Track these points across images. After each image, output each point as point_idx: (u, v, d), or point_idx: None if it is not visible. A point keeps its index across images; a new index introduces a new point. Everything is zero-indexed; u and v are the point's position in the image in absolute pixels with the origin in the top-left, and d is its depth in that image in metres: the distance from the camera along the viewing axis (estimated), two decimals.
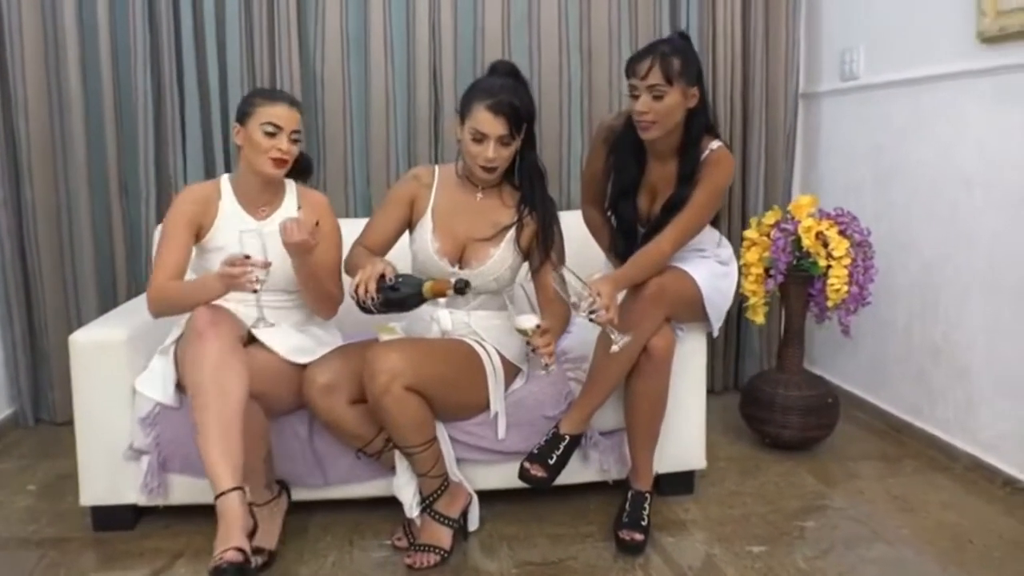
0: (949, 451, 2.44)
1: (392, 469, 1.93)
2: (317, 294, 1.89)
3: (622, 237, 2.05)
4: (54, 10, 2.62)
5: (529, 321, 1.75)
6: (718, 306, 2.04)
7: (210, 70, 2.73)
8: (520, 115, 1.84)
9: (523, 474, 1.90)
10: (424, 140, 2.84)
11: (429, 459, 1.84)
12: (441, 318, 1.95)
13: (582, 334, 2.09)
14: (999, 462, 2.27)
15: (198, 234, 1.91)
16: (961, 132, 2.39)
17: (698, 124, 1.93)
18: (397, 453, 1.89)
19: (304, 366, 1.87)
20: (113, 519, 2.02)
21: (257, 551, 1.74)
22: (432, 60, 2.82)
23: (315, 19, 2.77)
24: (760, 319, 2.53)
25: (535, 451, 1.92)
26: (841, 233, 2.40)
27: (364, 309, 1.75)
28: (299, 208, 1.96)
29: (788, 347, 2.56)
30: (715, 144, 1.94)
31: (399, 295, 1.72)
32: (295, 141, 1.88)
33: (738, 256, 2.26)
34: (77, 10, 2.63)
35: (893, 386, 2.73)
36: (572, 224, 2.13)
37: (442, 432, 1.93)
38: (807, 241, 2.38)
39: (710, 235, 2.08)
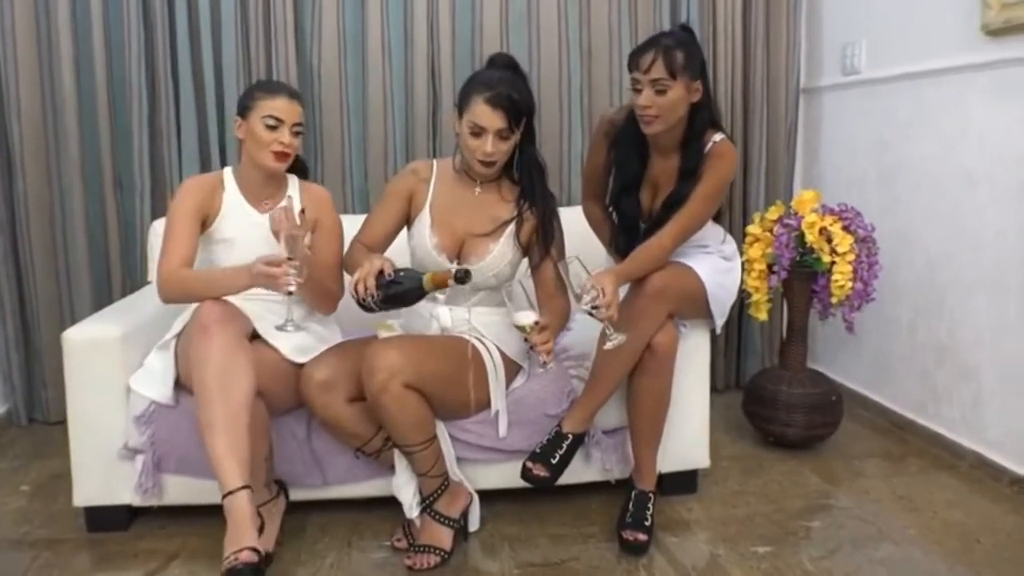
0: (954, 449, 2.42)
1: (391, 468, 1.90)
2: (316, 290, 1.85)
3: (624, 233, 2.02)
4: (47, 2, 2.58)
5: (527, 317, 1.72)
6: (722, 302, 2.01)
7: (205, 64, 2.69)
8: (519, 108, 1.81)
9: (525, 474, 1.87)
10: (422, 135, 2.81)
11: (429, 458, 1.80)
12: (440, 315, 1.92)
13: (584, 331, 2.06)
14: (1005, 460, 2.25)
15: (203, 224, 1.89)
16: (965, 127, 2.37)
17: (702, 118, 1.90)
18: (396, 452, 1.86)
19: (303, 365, 1.84)
20: (107, 520, 1.99)
21: None
22: (430, 56, 2.78)
23: (312, 13, 2.74)
24: (763, 316, 2.51)
25: (537, 450, 1.89)
26: (845, 229, 2.37)
27: (364, 307, 1.72)
28: (302, 209, 1.91)
29: (791, 344, 2.53)
30: (718, 137, 1.91)
31: (399, 289, 1.69)
32: (297, 134, 1.86)
33: (740, 252, 2.23)
34: (71, 2, 2.59)
35: (897, 384, 2.70)
36: (572, 220, 2.10)
37: (442, 431, 1.90)
38: (811, 237, 2.36)
39: (713, 231, 2.05)
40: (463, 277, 1.67)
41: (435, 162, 2.00)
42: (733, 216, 2.96)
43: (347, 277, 1.85)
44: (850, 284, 2.34)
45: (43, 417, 2.78)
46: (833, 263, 2.35)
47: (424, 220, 1.93)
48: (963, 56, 2.34)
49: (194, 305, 1.82)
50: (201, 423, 1.63)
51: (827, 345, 3.04)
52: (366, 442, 1.86)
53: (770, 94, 2.99)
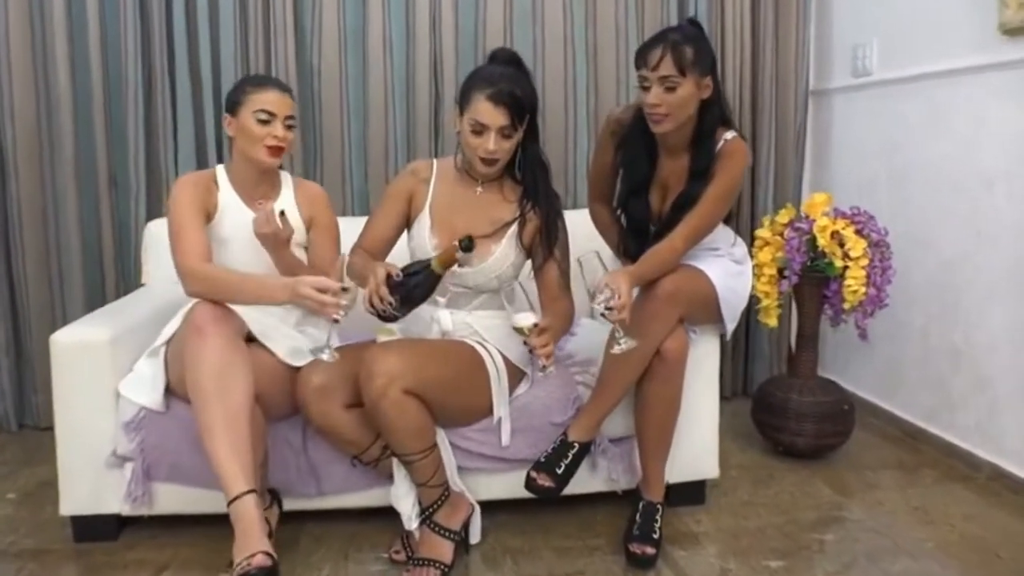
0: (970, 460, 2.35)
1: (390, 478, 1.83)
2: None
3: (633, 236, 1.95)
4: None
5: (526, 319, 1.66)
6: (733, 306, 1.94)
7: (202, 61, 2.63)
8: (522, 105, 1.75)
9: (530, 484, 1.80)
10: (424, 135, 2.75)
11: (429, 467, 1.74)
12: (441, 318, 1.86)
13: (590, 336, 1.99)
14: None
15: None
16: (981, 128, 2.31)
17: (712, 116, 1.84)
18: (395, 461, 1.79)
19: (300, 369, 1.77)
20: (95, 529, 1.92)
21: None
22: (432, 53, 2.73)
23: (312, 9, 2.69)
24: (773, 322, 2.44)
25: (542, 459, 1.83)
26: (858, 232, 2.31)
27: (385, 318, 1.67)
28: (281, 211, 1.83)
29: (801, 351, 2.47)
30: (729, 134, 1.85)
31: (412, 284, 1.64)
32: (290, 127, 1.81)
33: (749, 256, 2.16)
34: None
35: (909, 391, 2.63)
36: (579, 223, 2.04)
37: (442, 439, 1.83)
38: (822, 241, 2.29)
39: (724, 233, 1.99)
40: (468, 245, 1.62)
41: (435, 162, 1.95)
42: (740, 220, 2.91)
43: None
44: (863, 290, 2.28)
45: (33, 423, 2.72)
46: (846, 268, 2.29)
47: (424, 221, 1.87)
48: (979, 56, 2.28)
49: (184, 310, 1.76)
50: (200, 427, 1.57)
51: (837, 352, 2.97)
52: (364, 450, 1.80)
53: (779, 96, 2.94)
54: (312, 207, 1.91)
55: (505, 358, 1.86)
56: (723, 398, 2.79)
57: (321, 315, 1.63)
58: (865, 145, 2.82)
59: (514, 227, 1.85)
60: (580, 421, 1.86)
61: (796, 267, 2.30)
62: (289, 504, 1.92)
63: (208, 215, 1.83)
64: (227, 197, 1.87)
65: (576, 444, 1.83)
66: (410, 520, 1.80)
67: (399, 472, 1.80)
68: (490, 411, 1.86)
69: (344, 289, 1.58)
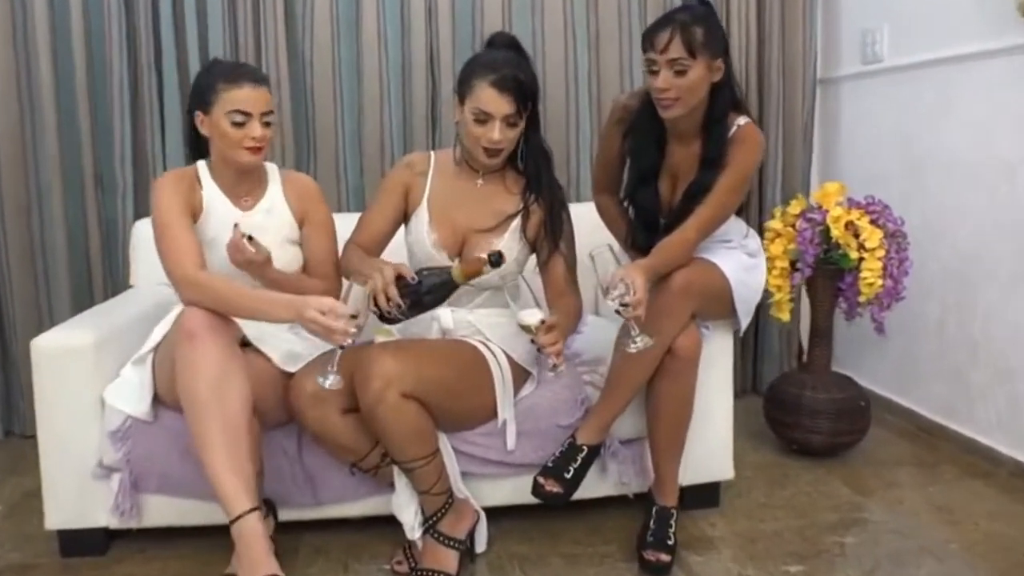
0: (991, 456, 2.27)
1: (390, 486, 1.75)
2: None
3: (642, 228, 1.86)
4: None
5: (533, 316, 1.56)
6: (747, 301, 1.86)
7: (190, 52, 2.54)
8: (526, 91, 1.67)
9: (536, 490, 1.72)
10: (420, 128, 2.66)
11: (431, 474, 1.65)
12: (442, 316, 1.77)
13: (597, 333, 1.91)
14: None
15: None
16: (1000, 114, 2.23)
17: (724, 100, 1.75)
18: (396, 468, 1.70)
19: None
20: (82, 544, 1.83)
21: None
22: (428, 43, 2.64)
23: None
24: (786, 316, 2.36)
25: (549, 464, 1.74)
26: (873, 223, 2.23)
27: (387, 319, 1.57)
28: (249, 236, 1.67)
29: (815, 346, 2.39)
30: (742, 120, 1.77)
31: (425, 289, 1.54)
32: (268, 124, 1.68)
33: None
34: None
35: (926, 386, 2.55)
36: (582, 215, 1.94)
37: (444, 444, 1.74)
38: (836, 232, 2.21)
39: (736, 224, 1.91)
40: (497, 260, 1.52)
41: (432, 154, 1.86)
42: (749, 211, 2.82)
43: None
44: (880, 282, 2.20)
45: (20, 430, 2.63)
46: (861, 259, 2.20)
47: (422, 216, 1.78)
48: (997, 39, 2.20)
49: (173, 313, 1.67)
50: (195, 440, 1.48)
51: (849, 346, 2.88)
52: (362, 457, 1.71)
53: (786, 84, 2.86)
54: (303, 201, 1.81)
55: (509, 358, 1.77)
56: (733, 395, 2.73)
57: (327, 341, 1.51)
58: (876, 134, 2.74)
59: (517, 220, 1.77)
60: (589, 423, 1.78)
61: (809, 259, 2.22)
62: (285, 514, 1.83)
63: (193, 214, 1.71)
64: (211, 195, 1.75)
65: (585, 447, 1.75)
66: (412, 530, 1.71)
67: (400, 480, 1.72)
68: (494, 414, 1.77)
69: (352, 316, 1.46)
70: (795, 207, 2.33)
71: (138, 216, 2.49)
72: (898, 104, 2.63)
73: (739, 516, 2.01)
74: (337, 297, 1.62)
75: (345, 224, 1.88)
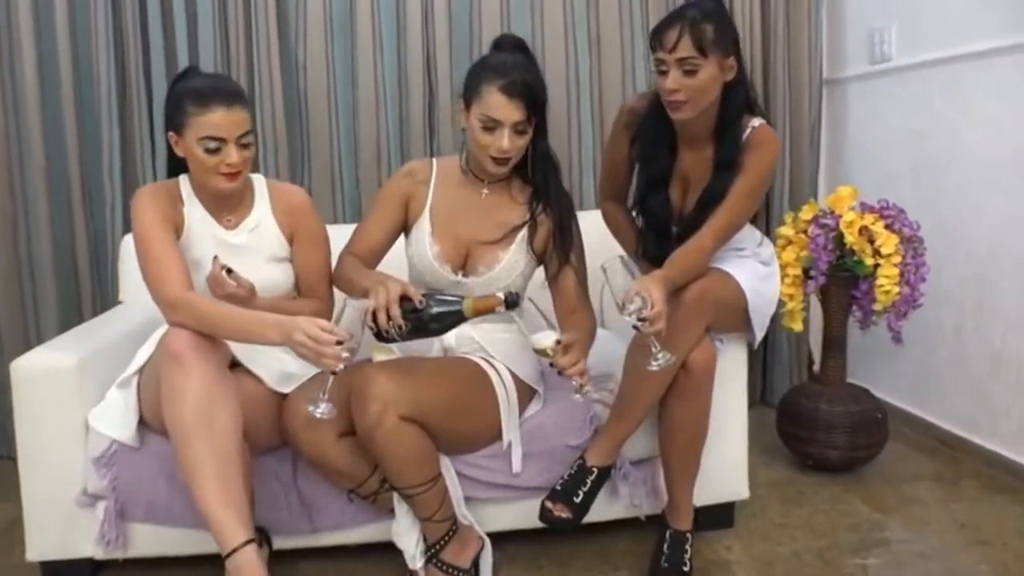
0: (1014, 469, 2.18)
1: (390, 512, 1.67)
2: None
3: (653, 237, 1.77)
4: None
5: (548, 338, 1.46)
6: (762, 312, 1.77)
7: (180, 58, 2.45)
8: (536, 97, 1.58)
9: (545, 515, 1.63)
10: (418, 135, 2.58)
11: (433, 500, 1.56)
12: None
13: (605, 347, 1.81)
14: None
15: None
16: (1015, 112, 2.15)
17: (737, 100, 1.67)
18: (396, 494, 1.62)
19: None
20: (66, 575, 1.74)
21: None
22: (425, 47, 2.56)
23: (296, 1, 2.51)
24: (799, 326, 2.27)
25: (558, 487, 1.66)
26: (888, 227, 2.14)
27: (384, 338, 1.47)
28: (228, 269, 1.57)
29: (829, 357, 2.30)
30: (756, 122, 1.69)
31: (430, 316, 1.44)
32: (245, 146, 1.56)
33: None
34: None
35: (944, 397, 2.46)
36: (586, 227, 1.84)
37: (447, 467, 1.66)
38: (850, 238, 2.13)
39: (750, 232, 1.83)
40: (515, 301, 1.42)
41: (435, 161, 1.77)
42: (755, 218, 2.73)
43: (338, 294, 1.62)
44: (896, 289, 2.11)
45: (6, 452, 2.53)
46: (877, 266, 2.12)
47: (423, 227, 1.70)
48: (1009, 36, 2.13)
49: (158, 333, 1.58)
50: (184, 470, 1.40)
51: (863, 357, 2.79)
52: (360, 483, 1.63)
53: (792, 86, 2.78)
54: (292, 215, 1.71)
55: (514, 375, 1.69)
56: None
57: (317, 366, 1.41)
58: (886, 135, 2.66)
59: (524, 232, 1.68)
60: (599, 444, 1.69)
61: (823, 267, 2.14)
62: (279, 543, 1.74)
63: (176, 231, 1.61)
64: (194, 213, 1.65)
65: (595, 469, 1.66)
66: (414, 559, 1.63)
67: (401, 506, 1.63)
68: (499, 435, 1.69)
69: (338, 342, 1.36)
70: (807, 212, 2.24)
71: (127, 229, 2.39)
72: (908, 104, 2.55)
73: (755, 538, 1.93)
74: (330, 318, 1.52)
75: (340, 236, 1.79)
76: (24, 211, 2.45)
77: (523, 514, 1.73)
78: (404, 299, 1.44)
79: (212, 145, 1.52)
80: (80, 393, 1.68)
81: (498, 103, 1.54)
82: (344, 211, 2.59)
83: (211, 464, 1.38)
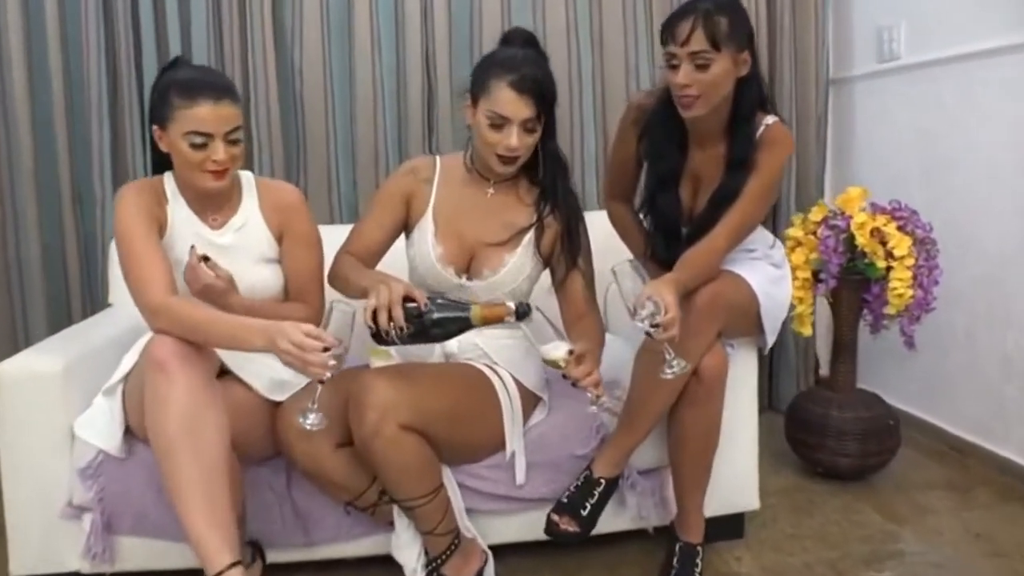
0: None
1: (390, 525, 1.60)
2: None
3: (662, 238, 1.71)
4: None
5: (559, 349, 1.38)
6: (774, 317, 1.72)
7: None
8: (546, 94, 1.52)
9: (551, 528, 1.57)
10: (416, 135, 2.52)
11: (434, 513, 1.50)
12: None
13: (613, 353, 1.75)
14: None
15: None
16: None
17: (750, 96, 1.61)
18: (396, 506, 1.55)
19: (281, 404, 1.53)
20: None
21: None
22: (424, 45, 2.50)
23: (292, 1, 2.45)
24: (808, 330, 2.22)
25: (564, 499, 1.60)
26: (901, 229, 2.09)
27: (382, 340, 1.40)
28: (204, 257, 1.52)
29: (839, 362, 2.25)
30: (770, 119, 1.63)
31: (433, 322, 1.37)
32: (234, 142, 1.49)
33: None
34: None
35: (956, 403, 2.41)
36: (591, 228, 1.77)
37: (449, 478, 1.60)
38: (862, 239, 2.07)
39: (761, 234, 1.77)
40: (525, 312, 1.36)
41: (438, 159, 1.71)
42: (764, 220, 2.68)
43: (333, 293, 1.56)
44: (910, 292, 2.06)
45: None
46: (889, 268, 2.06)
47: (426, 227, 1.64)
48: (1022, 33, 2.09)
49: (143, 339, 1.51)
50: (168, 487, 1.33)
51: (872, 361, 2.73)
52: (358, 495, 1.56)
53: (798, 85, 2.74)
54: (281, 213, 1.63)
55: (518, 382, 1.63)
56: None
57: (304, 375, 1.34)
58: (894, 135, 2.61)
59: (530, 234, 1.62)
60: (606, 454, 1.63)
61: (834, 269, 2.09)
62: (273, 556, 1.67)
63: (160, 231, 1.54)
64: (178, 212, 1.58)
65: (603, 480, 1.61)
66: (414, 573, 1.57)
67: (400, 518, 1.57)
68: (502, 444, 1.62)
69: (325, 349, 1.29)
70: (816, 213, 2.19)
71: None
72: (917, 103, 2.51)
73: (765, 548, 1.87)
74: (322, 316, 1.42)
75: (336, 237, 1.72)
76: (13, 213, 2.40)
77: (527, 526, 1.67)
78: (407, 300, 1.38)
79: (198, 140, 1.45)
80: (66, 400, 1.61)
81: (507, 99, 1.48)
82: (341, 212, 2.53)
83: (196, 480, 1.31)
